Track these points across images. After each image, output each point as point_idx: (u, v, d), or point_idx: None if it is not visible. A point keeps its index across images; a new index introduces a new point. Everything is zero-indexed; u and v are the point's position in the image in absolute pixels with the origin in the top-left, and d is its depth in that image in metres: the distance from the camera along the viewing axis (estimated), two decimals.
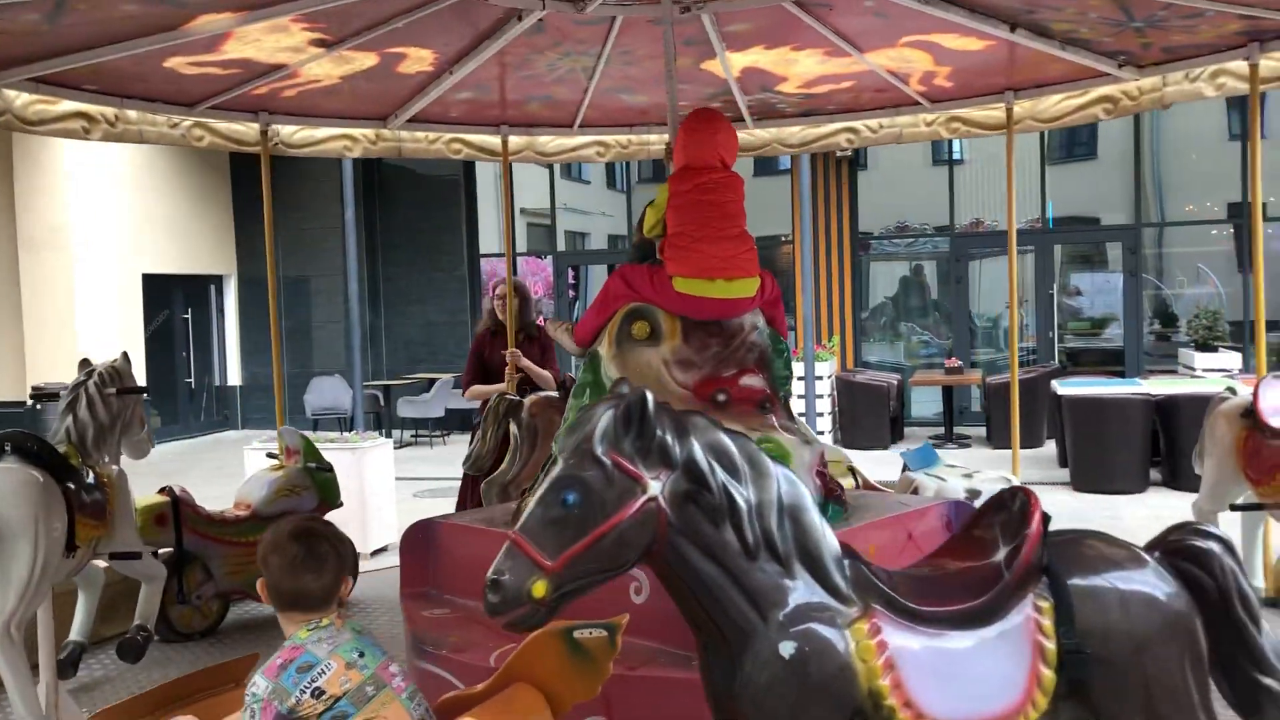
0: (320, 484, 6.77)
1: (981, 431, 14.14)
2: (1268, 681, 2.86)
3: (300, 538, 2.78)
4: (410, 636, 4.37)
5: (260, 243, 17.24)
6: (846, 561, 2.72)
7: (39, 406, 12.49)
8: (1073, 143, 16.26)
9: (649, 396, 2.55)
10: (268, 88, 6.65)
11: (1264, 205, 14.62)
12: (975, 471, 5.96)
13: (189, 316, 17.38)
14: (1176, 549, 2.92)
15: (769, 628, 2.59)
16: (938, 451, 6.45)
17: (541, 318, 7.51)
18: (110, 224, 15.54)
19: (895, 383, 14.12)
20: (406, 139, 7.92)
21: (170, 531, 6.35)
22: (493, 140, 8.14)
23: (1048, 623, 2.69)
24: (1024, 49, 5.89)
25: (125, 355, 5.88)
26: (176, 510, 6.38)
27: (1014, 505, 2.87)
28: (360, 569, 7.31)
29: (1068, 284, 16.42)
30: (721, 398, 4.31)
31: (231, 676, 2.88)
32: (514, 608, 2.42)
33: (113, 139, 6.75)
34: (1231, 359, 13.02)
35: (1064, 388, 11.30)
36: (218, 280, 17.79)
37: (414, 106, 7.30)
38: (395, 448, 9.88)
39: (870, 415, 13.61)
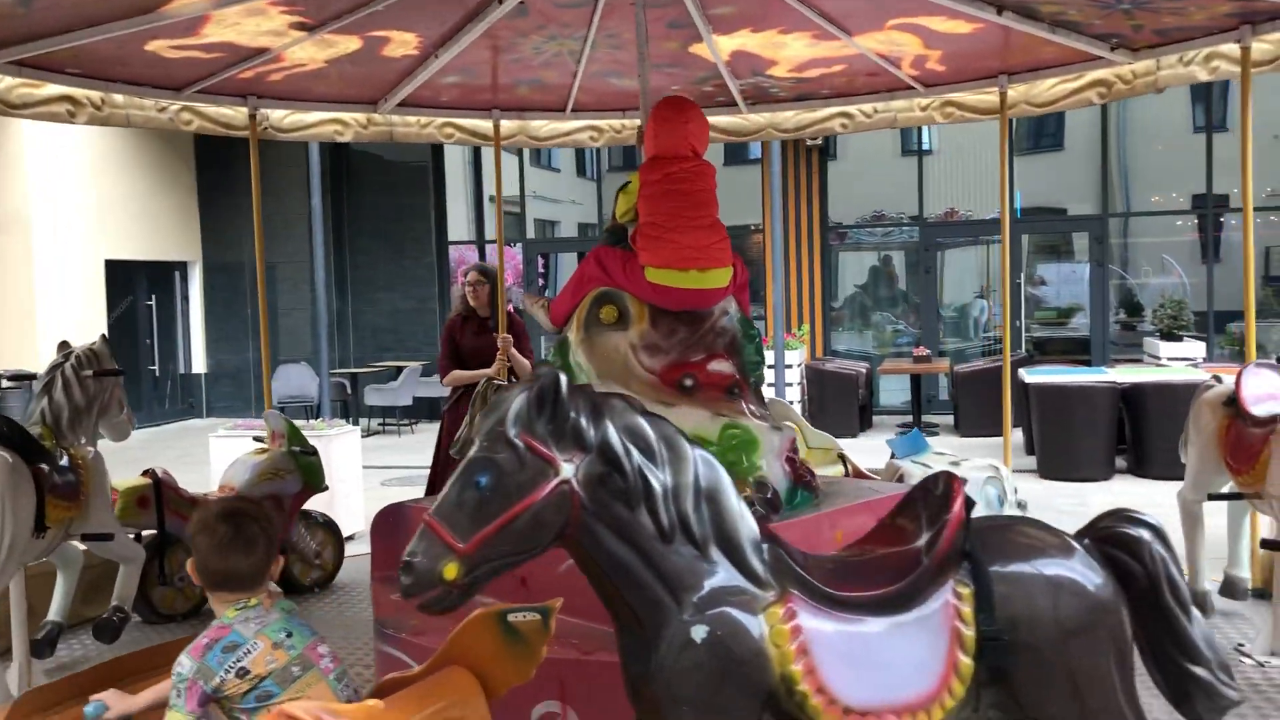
0: (304, 467, 6.72)
1: (949, 419, 14.27)
2: (1197, 670, 2.82)
3: (229, 519, 2.80)
4: (375, 619, 4.39)
5: (226, 229, 17.26)
6: (765, 546, 2.70)
7: (2, 385, 12.39)
8: (1040, 133, 16.44)
9: (562, 379, 2.54)
10: (254, 72, 6.60)
11: (1226, 196, 14.93)
12: (963, 459, 5.93)
13: (153, 303, 17.16)
14: (1106, 536, 2.88)
15: (682, 611, 2.58)
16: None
17: (510, 306, 7.51)
18: (72, 209, 15.30)
19: (864, 371, 14.23)
20: (398, 123, 7.87)
21: (152, 514, 6.32)
22: (484, 125, 8.09)
23: (967, 609, 2.67)
24: (1015, 32, 5.89)
25: (104, 338, 5.87)
26: (158, 492, 6.34)
27: (937, 490, 2.84)
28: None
29: (1034, 274, 16.60)
30: (689, 383, 4.29)
31: (168, 658, 2.86)
32: (426, 589, 2.42)
33: (98, 122, 6.69)
34: (1196, 348, 13.23)
35: (1031, 376, 11.39)
36: (182, 267, 17.58)
37: (403, 91, 7.25)
38: (362, 436, 9.83)
39: (839, 403, 13.69)
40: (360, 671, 5.08)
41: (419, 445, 13.03)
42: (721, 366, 4.39)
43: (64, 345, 5.88)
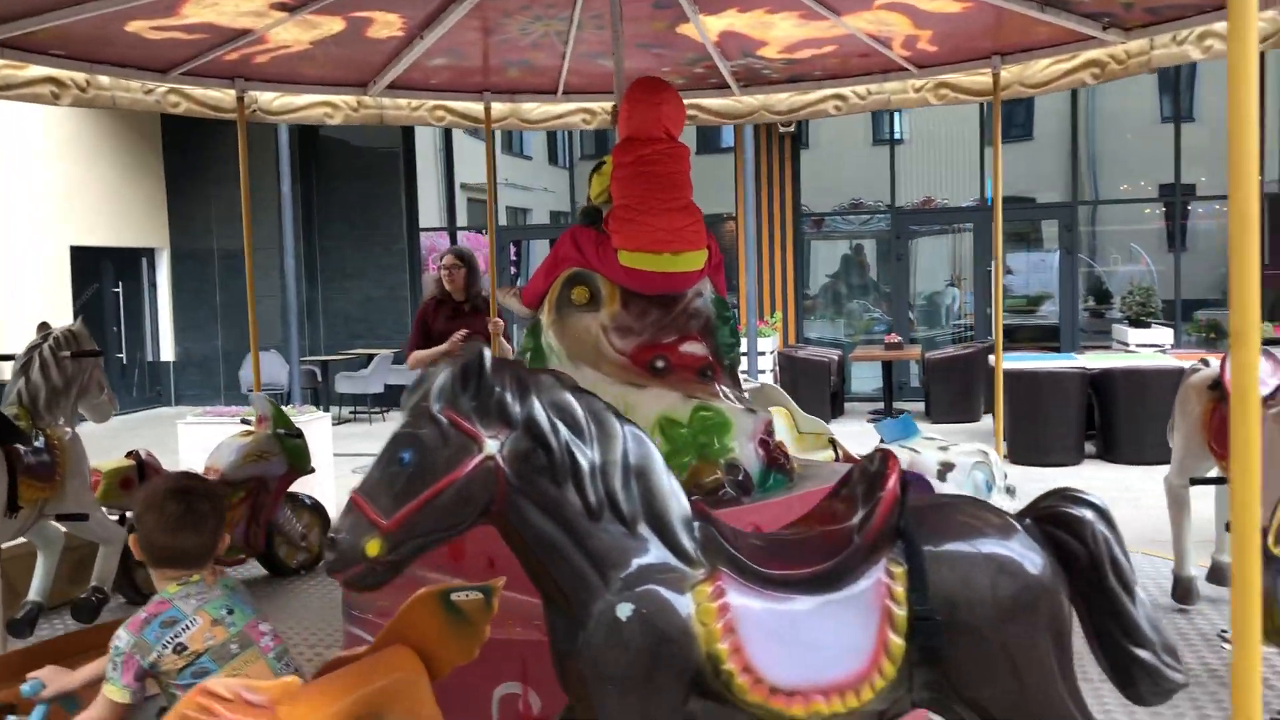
0: (290, 450, 6.71)
1: (920, 406, 14.37)
2: (1141, 654, 2.75)
3: (179, 496, 2.79)
4: (344, 600, 4.34)
5: (195, 215, 17.07)
6: (697, 524, 2.68)
7: None
8: (1010, 123, 16.58)
9: (487, 354, 2.53)
10: (239, 54, 6.54)
11: (1194, 186, 15.13)
12: (952, 444, 5.92)
13: (120, 290, 16.93)
14: (1048, 515, 2.82)
15: (609, 589, 2.56)
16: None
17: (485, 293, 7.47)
18: (36, 194, 15.05)
19: (836, 358, 14.31)
20: (389, 106, 7.81)
21: (135, 495, 6.26)
22: (476, 108, 8.04)
23: (899, 589, 2.61)
24: (1007, 11, 5.88)
25: (83, 319, 5.88)
26: (142, 474, 6.31)
27: (873, 468, 2.81)
28: None
29: (1003, 262, 16.76)
30: (660, 364, 4.26)
31: (107, 638, 2.86)
32: (349, 566, 2.41)
33: (83, 104, 6.63)
34: (1164, 334, 13.41)
35: (1002, 362, 11.46)
36: (149, 254, 17.34)
37: (391, 73, 7.20)
38: (333, 424, 9.79)
39: (811, 390, 13.73)
40: (336, 652, 5.06)
41: (389, 433, 12.95)
42: (694, 348, 4.36)
43: (44, 326, 5.97)
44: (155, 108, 7.02)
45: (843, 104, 7.52)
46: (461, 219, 17.63)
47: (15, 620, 5.38)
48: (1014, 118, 16.37)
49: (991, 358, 11.89)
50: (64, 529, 5.82)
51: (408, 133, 16.38)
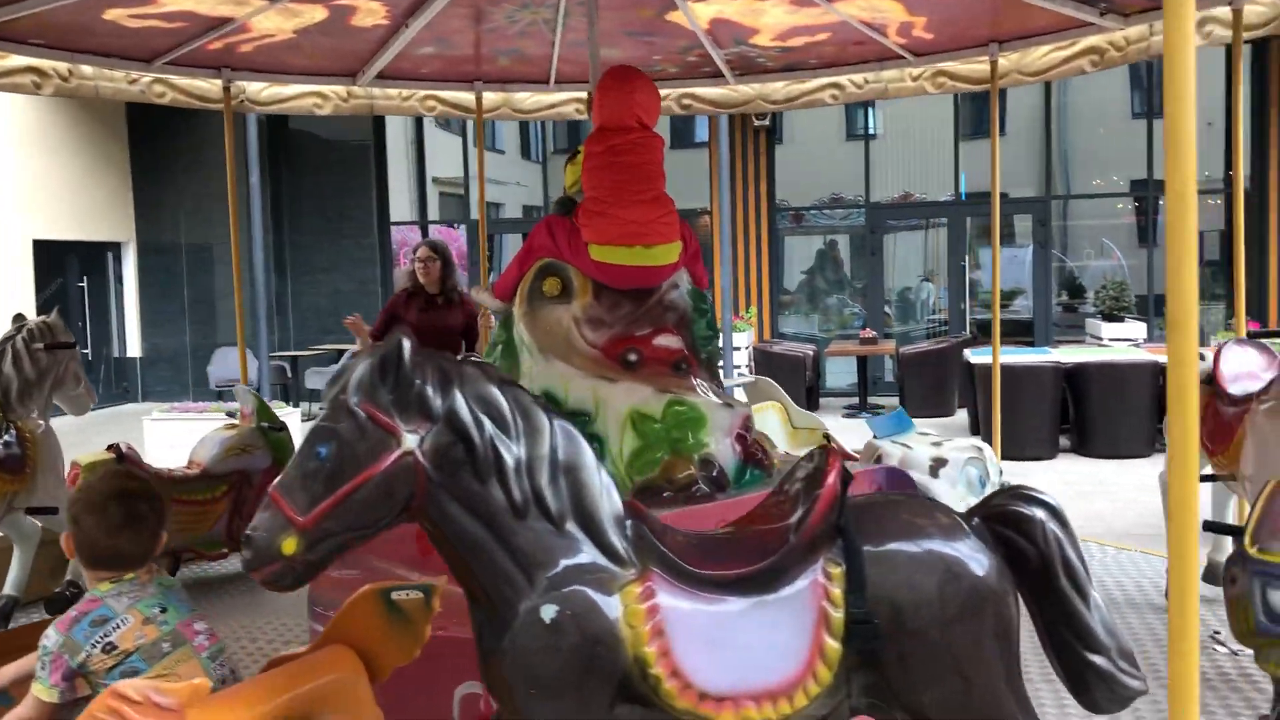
0: (273, 443, 6.65)
1: (895, 401, 14.39)
2: (1095, 659, 2.61)
3: (121, 500, 2.75)
4: (309, 596, 4.22)
5: (162, 208, 16.82)
6: (629, 522, 2.60)
7: None
8: (982, 118, 16.63)
9: (406, 345, 2.44)
10: (223, 42, 6.47)
11: (1161, 182, 15.25)
12: (944, 440, 5.87)
13: (85, 285, 16.64)
14: (997, 514, 2.70)
15: (534, 589, 2.47)
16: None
17: (461, 288, 7.38)
18: None
19: (811, 353, 14.32)
20: (379, 96, 7.74)
21: (73, 494, 6.17)
22: (467, 98, 7.97)
23: (837, 590, 2.51)
24: None
25: (59, 311, 5.87)
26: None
27: (813, 464, 2.70)
28: None
29: (975, 258, 16.84)
30: (633, 357, 4.20)
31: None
32: (266, 564, 2.33)
33: (66, 94, 6.57)
34: (1137, 329, 13.51)
35: (976, 356, 11.49)
36: (115, 247, 17.06)
37: (379, 62, 7.12)
38: (302, 420, 9.71)
39: (787, 385, 13.59)
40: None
41: None
42: (668, 341, 4.30)
43: (19, 318, 5.92)
44: (140, 98, 6.95)
45: (839, 93, 7.49)
46: (433, 213, 17.50)
47: None
48: (987, 113, 16.39)
49: (967, 351, 12.01)
50: (39, 523, 5.76)
51: (379, 125, 16.24)
